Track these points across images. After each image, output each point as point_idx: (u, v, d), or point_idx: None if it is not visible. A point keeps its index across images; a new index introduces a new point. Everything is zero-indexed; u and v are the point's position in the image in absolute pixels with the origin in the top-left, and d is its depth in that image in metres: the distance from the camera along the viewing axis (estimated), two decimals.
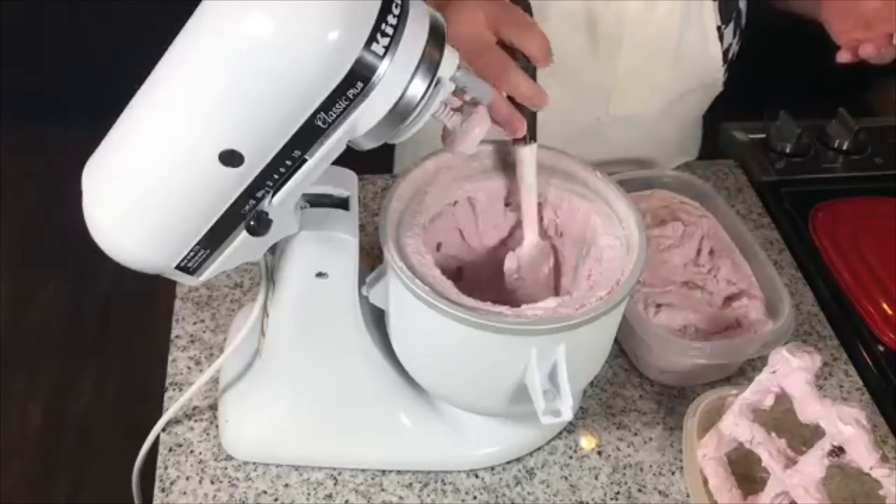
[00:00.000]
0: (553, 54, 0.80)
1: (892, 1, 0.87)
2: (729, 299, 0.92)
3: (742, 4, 1.01)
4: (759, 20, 1.07)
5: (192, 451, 0.82)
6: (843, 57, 0.90)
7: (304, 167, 0.61)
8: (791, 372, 0.75)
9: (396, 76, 0.57)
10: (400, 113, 0.59)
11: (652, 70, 1.01)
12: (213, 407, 0.85)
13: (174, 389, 0.87)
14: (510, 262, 0.81)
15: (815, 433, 0.74)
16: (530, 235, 0.80)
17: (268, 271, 0.75)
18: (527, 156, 0.76)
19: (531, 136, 0.75)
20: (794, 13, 1.03)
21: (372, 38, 0.55)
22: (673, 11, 0.97)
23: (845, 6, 0.91)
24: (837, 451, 0.72)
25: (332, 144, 0.60)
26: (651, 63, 1.00)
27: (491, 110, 0.71)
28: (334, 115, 0.58)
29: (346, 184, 0.73)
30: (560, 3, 0.94)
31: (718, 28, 0.99)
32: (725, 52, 1.01)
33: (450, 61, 0.60)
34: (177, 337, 0.92)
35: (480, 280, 0.84)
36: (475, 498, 0.81)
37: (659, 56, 1.00)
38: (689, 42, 0.99)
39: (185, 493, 0.79)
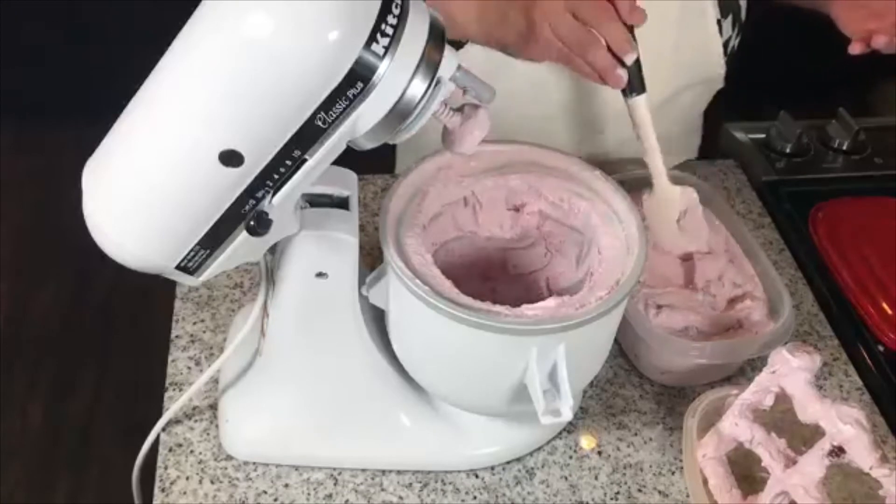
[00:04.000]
0: None
1: None
2: (732, 301, 0.91)
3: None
4: (761, 21, 1.07)
5: (192, 451, 0.82)
6: (855, 48, 0.89)
7: (304, 167, 0.61)
8: (791, 372, 0.76)
9: (396, 76, 0.57)
10: (400, 113, 0.59)
11: (651, 66, 1.01)
12: (213, 407, 0.85)
13: (174, 389, 0.87)
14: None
15: (815, 433, 0.74)
16: (660, 182, 0.88)
17: (268, 271, 0.75)
18: (637, 108, 0.82)
19: (638, 86, 0.82)
20: (800, 6, 1.02)
21: (372, 38, 0.55)
22: (670, 9, 0.97)
23: None
24: (837, 451, 0.72)
25: (332, 144, 0.60)
26: (650, 59, 1.00)
27: (589, 60, 0.79)
28: (334, 115, 0.58)
29: (346, 184, 0.73)
30: None
31: (718, 21, 0.99)
32: (725, 45, 1.01)
33: (450, 61, 0.60)
34: (177, 337, 0.92)
35: (481, 280, 0.84)
36: (475, 498, 0.81)
37: (658, 52, 0.99)
38: (689, 37, 0.99)
39: (185, 493, 0.79)
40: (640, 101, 0.84)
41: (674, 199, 0.91)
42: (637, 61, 0.81)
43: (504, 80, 0.80)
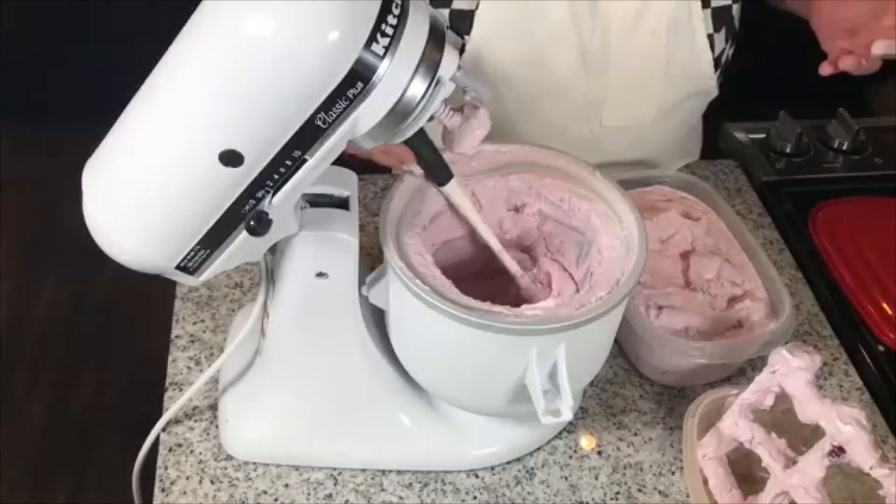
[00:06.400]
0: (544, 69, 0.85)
1: (879, 4, 0.85)
2: (732, 301, 0.91)
3: (735, 10, 1.01)
4: (759, 20, 1.07)
5: (192, 451, 0.82)
6: (824, 70, 0.87)
7: (304, 167, 0.61)
8: (791, 372, 0.76)
9: (396, 76, 0.57)
10: (400, 113, 0.59)
11: (643, 83, 1.01)
12: (213, 407, 0.85)
13: (174, 389, 0.87)
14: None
15: (815, 433, 0.74)
16: (511, 269, 0.78)
17: (268, 271, 0.75)
18: (453, 193, 0.74)
19: (446, 175, 0.73)
20: (789, 11, 1.02)
21: (372, 39, 0.55)
22: (660, 27, 0.96)
23: (833, 13, 0.88)
24: (837, 451, 0.72)
25: (332, 144, 0.60)
26: (641, 76, 1.00)
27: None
28: (334, 115, 0.58)
29: (346, 184, 0.73)
30: (546, 19, 0.94)
31: (710, 36, 0.99)
32: (718, 59, 1.01)
33: (450, 61, 0.60)
34: (177, 337, 0.92)
35: (480, 280, 0.84)
36: (475, 498, 0.81)
37: (649, 70, 0.99)
38: (680, 54, 0.99)
39: (185, 493, 0.79)
40: (452, 186, 0.74)
41: None
42: (435, 151, 0.72)
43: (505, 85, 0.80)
